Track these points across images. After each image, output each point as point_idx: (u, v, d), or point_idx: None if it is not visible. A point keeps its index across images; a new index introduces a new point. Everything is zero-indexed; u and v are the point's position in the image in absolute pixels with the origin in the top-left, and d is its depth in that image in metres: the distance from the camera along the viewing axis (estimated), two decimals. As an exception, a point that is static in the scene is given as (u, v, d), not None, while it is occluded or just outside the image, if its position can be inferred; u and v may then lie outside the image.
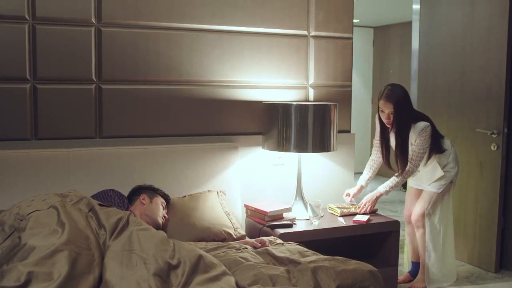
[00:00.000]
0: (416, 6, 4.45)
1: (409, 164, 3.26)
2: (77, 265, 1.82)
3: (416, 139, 3.23)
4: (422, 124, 3.24)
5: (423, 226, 3.40)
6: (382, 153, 3.40)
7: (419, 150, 3.24)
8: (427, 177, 3.39)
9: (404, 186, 5.89)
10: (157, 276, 1.82)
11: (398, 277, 3.43)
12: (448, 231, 3.48)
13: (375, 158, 3.49)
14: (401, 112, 3.20)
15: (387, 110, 3.20)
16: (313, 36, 3.47)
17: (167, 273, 1.86)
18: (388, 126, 3.30)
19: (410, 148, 3.27)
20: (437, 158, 3.35)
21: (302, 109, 3.05)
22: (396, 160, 3.30)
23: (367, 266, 2.14)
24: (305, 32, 3.44)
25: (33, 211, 2.05)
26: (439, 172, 3.33)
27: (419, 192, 3.51)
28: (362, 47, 7.97)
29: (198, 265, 1.92)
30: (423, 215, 3.39)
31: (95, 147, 2.88)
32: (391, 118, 3.22)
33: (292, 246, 2.49)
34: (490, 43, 3.82)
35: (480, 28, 3.90)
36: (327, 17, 3.49)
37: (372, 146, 9.01)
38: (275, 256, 2.29)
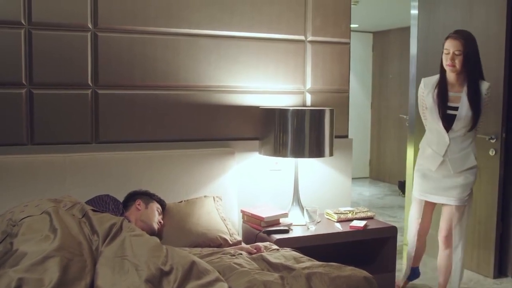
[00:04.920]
0: (414, 11, 4.46)
1: (477, 130, 3.09)
2: (69, 271, 1.81)
3: (484, 101, 3.00)
4: (487, 83, 3.03)
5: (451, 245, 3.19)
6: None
7: (486, 113, 3.05)
8: (458, 164, 3.05)
9: (403, 191, 5.87)
10: (148, 282, 1.81)
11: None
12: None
13: None
14: (470, 52, 2.96)
15: (453, 48, 2.95)
16: (310, 41, 3.46)
17: (159, 280, 1.85)
18: (451, 68, 2.99)
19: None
20: (473, 137, 3.09)
21: (298, 114, 3.05)
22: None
23: (362, 273, 2.12)
24: (302, 37, 3.44)
25: (26, 217, 2.04)
26: (472, 160, 3.07)
27: (433, 206, 3.25)
28: (362, 52, 7.97)
29: (191, 272, 1.90)
30: (453, 232, 3.14)
31: (91, 152, 2.87)
32: (455, 60, 2.95)
33: (288, 252, 2.48)
34: (488, 48, 3.81)
35: (477, 33, 3.86)
36: (324, 22, 3.49)
37: (371, 150, 8.96)
38: (269, 262, 2.27)
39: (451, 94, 3.06)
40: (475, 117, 3.00)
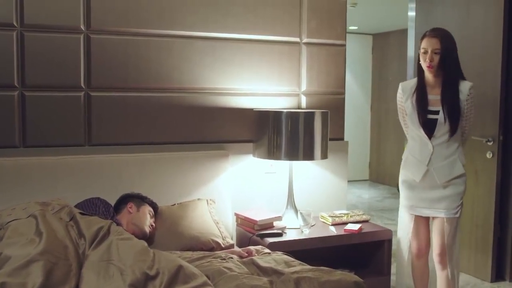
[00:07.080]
0: (411, 13, 4.44)
1: (465, 135, 2.87)
2: (53, 276, 1.79)
3: (466, 103, 2.77)
4: (469, 83, 2.80)
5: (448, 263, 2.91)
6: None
7: (471, 115, 2.81)
8: (444, 173, 2.82)
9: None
10: (132, 287, 1.79)
11: None
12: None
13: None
14: (448, 51, 2.73)
15: (431, 47, 2.73)
16: (306, 43, 3.44)
17: (144, 284, 1.82)
18: (429, 70, 2.77)
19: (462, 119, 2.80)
20: (459, 143, 2.85)
21: (293, 116, 3.03)
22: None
23: (352, 277, 2.10)
24: (297, 39, 3.42)
25: (12, 220, 2.03)
26: (459, 168, 2.84)
27: (427, 220, 2.98)
28: (361, 55, 7.95)
29: (178, 276, 1.88)
30: (448, 248, 2.88)
31: (83, 155, 2.86)
32: (434, 60, 2.73)
33: (279, 256, 2.46)
34: (485, 50, 3.79)
35: (475, 35, 3.87)
36: (319, 24, 3.47)
37: (371, 152, 8.90)
38: (259, 266, 2.25)
39: (431, 97, 2.83)
40: (453, 120, 2.76)
